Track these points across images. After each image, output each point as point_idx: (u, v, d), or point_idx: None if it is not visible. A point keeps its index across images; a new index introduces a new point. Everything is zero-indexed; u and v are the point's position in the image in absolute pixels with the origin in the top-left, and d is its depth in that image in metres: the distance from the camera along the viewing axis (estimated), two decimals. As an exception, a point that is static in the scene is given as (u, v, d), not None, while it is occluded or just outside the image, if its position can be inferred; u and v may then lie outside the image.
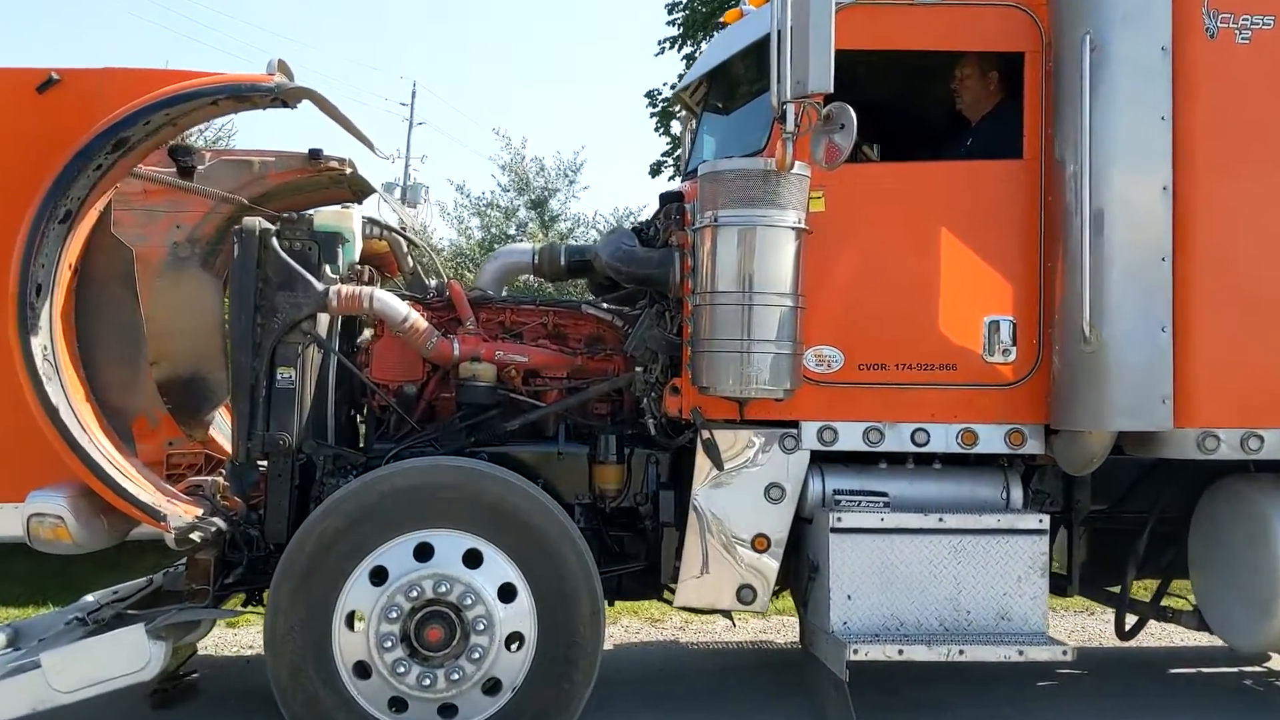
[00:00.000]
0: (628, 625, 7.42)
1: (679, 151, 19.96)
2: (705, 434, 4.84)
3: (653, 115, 18.29)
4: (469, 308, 5.31)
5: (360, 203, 6.82)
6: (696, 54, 18.99)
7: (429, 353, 5.11)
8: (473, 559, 4.38)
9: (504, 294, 5.64)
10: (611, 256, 5.11)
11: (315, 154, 6.39)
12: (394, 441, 5.12)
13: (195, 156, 6.49)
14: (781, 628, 7.26)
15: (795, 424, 4.90)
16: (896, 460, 5.02)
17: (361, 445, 5.39)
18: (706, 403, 4.81)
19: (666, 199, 5.19)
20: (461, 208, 19.02)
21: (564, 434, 5.28)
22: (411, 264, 5.78)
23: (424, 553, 4.35)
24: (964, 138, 5.33)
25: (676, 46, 17.87)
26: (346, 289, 4.97)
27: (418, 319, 5.06)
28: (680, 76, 18.67)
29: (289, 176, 6.51)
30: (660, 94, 17.71)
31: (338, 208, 5.25)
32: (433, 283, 5.73)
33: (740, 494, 4.90)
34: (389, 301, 5.02)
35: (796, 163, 4.41)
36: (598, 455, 5.13)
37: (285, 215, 5.10)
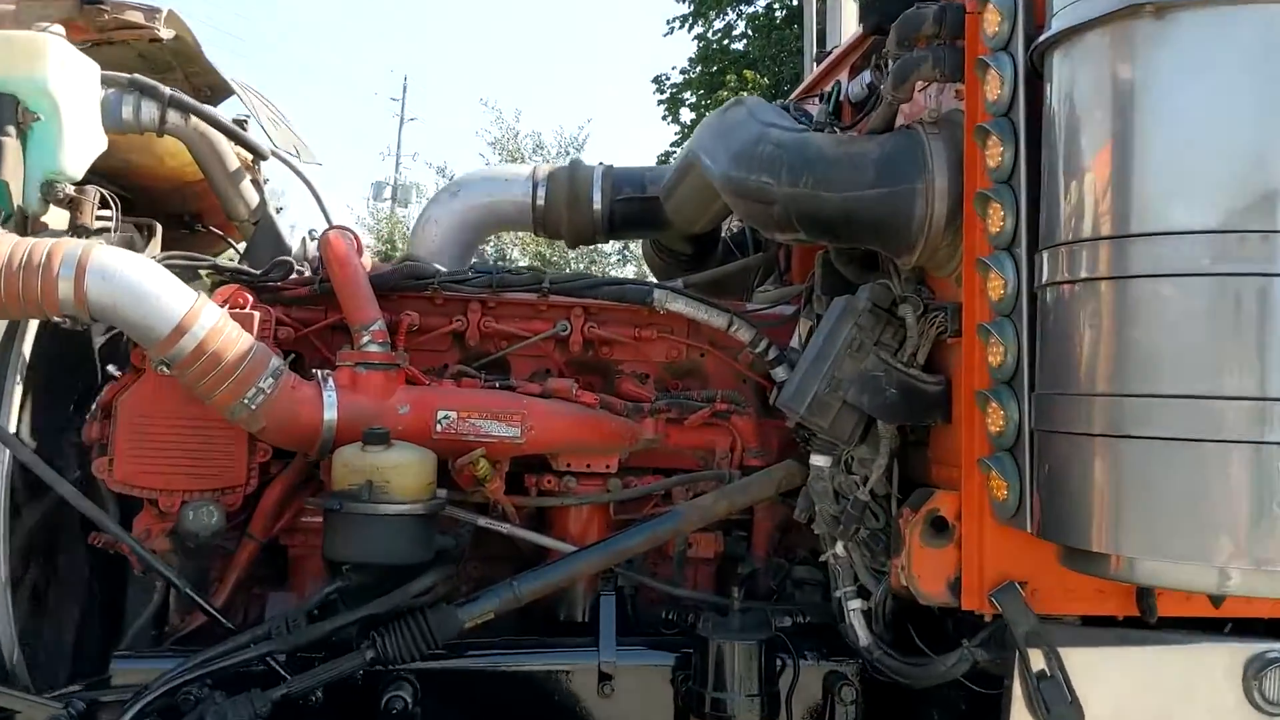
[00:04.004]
0: None
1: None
2: (1047, 662, 1.60)
3: (660, 102, 16.38)
4: (372, 301, 2.07)
5: (215, 104, 3.47)
6: (709, 34, 17.21)
7: (253, 421, 1.88)
8: None
9: (471, 266, 2.36)
10: (746, 164, 1.91)
11: (94, -4, 3.10)
12: (169, 655, 1.90)
13: None
14: None
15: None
16: None
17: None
18: (1047, 579, 1.58)
19: (881, 6, 1.96)
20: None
21: (615, 618, 2.05)
22: (257, 202, 2.54)
23: None
24: None
25: (687, 26, 16.03)
26: (13, 244, 1.75)
27: (225, 330, 1.83)
28: (690, 60, 16.74)
29: (42, 42, 3.21)
30: (668, 78, 16.25)
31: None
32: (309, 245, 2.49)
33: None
34: (140, 283, 1.79)
35: None
36: (703, 698, 1.90)
37: None
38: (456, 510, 2.05)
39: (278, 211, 2.57)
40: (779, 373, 2.24)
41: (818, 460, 1.91)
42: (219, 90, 3.43)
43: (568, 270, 12.16)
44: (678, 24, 16.77)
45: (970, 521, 1.73)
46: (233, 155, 2.46)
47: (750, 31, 16.10)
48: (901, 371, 1.84)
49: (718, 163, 2.01)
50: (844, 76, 2.46)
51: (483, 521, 2.06)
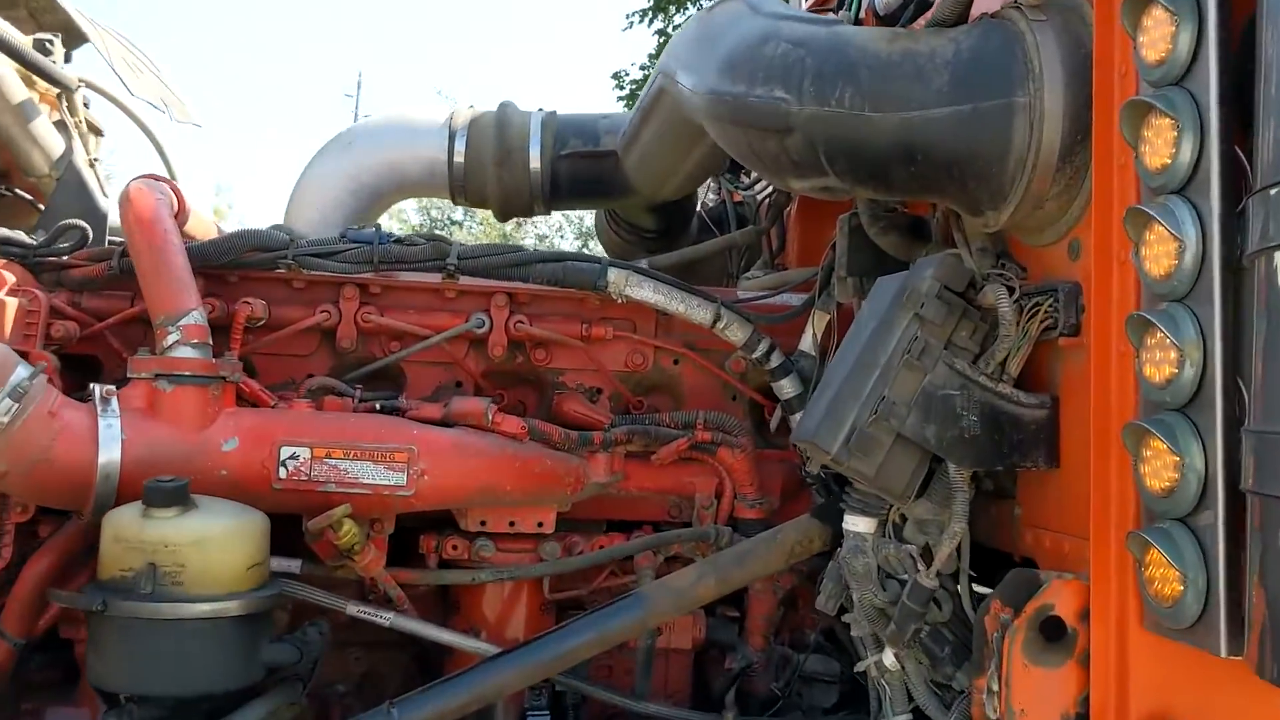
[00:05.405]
0: None
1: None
2: None
3: (620, 99, 16.31)
4: (187, 283, 1.38)
5: (70, 50, 2.79)
6: (670, 29, 16.96)
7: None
8: None
9: (343, 234, 1.66)
10: (748, 74, 1.27)
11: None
12: None
13: None
14: None
15: None
16: None
17: None
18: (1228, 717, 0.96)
19: None
20: (393, 191, 15.24)
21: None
22: (60, 151, 1.84)
23: None
24: None
25: (646, 20, 15.81)
26: None
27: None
28: (651, 55, 16.55)
29: None
30: (627, 74, 15.53)
31: None
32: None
33: None
34: None
35: None
36: None
37: None
38: (311, 591, 1.38)
39: (92, 164, 1.87)
40: (784, 386, 1.60)
41: (856, 524, 1.26)
42: (71, 33, 2.74)
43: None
44: (637, 18, 16.58)
45: (1103, 627, 1.10)
46: (20, 84, 1.77)
47: (710, 28, 15.73)
48: (987, 389, 1.20)
49: (703, 77, 1.36)
50: (867, -18, 1.82)
51: (353, 610, 1.39)
